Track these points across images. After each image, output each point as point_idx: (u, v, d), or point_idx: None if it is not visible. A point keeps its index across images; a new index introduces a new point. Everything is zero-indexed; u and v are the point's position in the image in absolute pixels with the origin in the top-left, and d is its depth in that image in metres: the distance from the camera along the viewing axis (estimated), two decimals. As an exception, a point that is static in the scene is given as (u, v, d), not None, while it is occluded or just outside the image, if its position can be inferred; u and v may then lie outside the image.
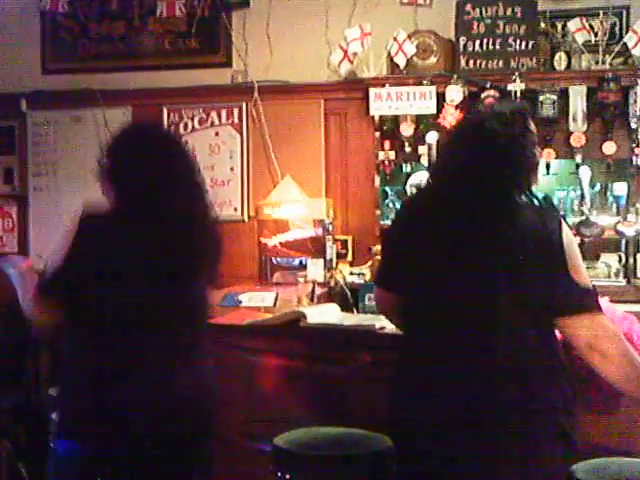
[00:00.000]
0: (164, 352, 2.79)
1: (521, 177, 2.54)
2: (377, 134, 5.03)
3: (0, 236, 5.66)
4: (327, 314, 3.68)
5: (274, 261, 5.03)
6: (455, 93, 4.83)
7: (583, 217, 4.74)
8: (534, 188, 2.58)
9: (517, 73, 4.76)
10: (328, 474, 2.98)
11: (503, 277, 2.46)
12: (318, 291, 4.35)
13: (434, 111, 4.88)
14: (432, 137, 4.84)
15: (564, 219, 2.56)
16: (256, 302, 4.19)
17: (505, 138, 2.50)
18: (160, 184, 2.71)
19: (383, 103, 4.93)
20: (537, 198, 2.55)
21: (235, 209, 5.40)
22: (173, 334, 2.82)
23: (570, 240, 2.51)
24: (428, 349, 2.57)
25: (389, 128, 5.03)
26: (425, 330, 2.60)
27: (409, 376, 2.61)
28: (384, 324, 3.30)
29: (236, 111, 5.40)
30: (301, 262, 4.94)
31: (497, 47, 4.93)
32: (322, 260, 4.81)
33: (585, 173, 4.78)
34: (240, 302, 4.21)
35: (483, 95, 4.82)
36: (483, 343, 2.48)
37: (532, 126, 2.59)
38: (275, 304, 4.16)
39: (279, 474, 3.05)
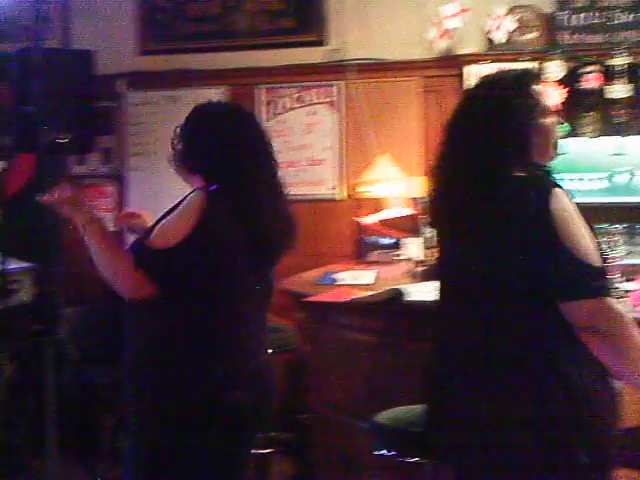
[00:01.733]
0: (261, 326, 2.83)
1: (510, 147, 2.30)
2: (474, 111, 4.94)
3: (100, 215, 5.73)
4: (428, 292, 3.63)
5: (370, 240, 5.00)
6: (555, 69, 4.73)
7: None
8: (548, 162, 2.37)
9: (621, 47, 4.64)
10: (430, 451, 2.95)
11: (478, 257, 2.30)
12: (416, 269, 4.30)
13: (534, 88, 4.77)
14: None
15: (561, 188, 2.22)
16: (354, 280, 4.17)
17: (483, 103, 2.36)
18: (253, 160, 2.74)
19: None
20: (540, 171, 2.31)
21: (331, 188, 5.38)
22: (265, 309, 2.86)
23: (563, 211, 2.18)
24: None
25: (486, 106, 4.93)
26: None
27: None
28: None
29: (332, 89, 5.37)
30: (398, 241, 4.89)
31: (599, 20, 4.80)
32: (419, 239, 4.76)
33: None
34: (336, 280, 4.19)
35: (584, 70, 4.71)
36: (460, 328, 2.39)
37: (537, 93, 2.36)
38: (374, 282, 4.13)
39: (380, 451, 3.04)
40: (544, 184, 2.24)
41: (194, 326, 2.64)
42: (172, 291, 2.61)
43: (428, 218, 2.59)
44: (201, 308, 2.64)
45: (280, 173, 2.89)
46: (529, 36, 4.95)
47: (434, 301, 2.50)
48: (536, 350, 2.23)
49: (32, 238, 4.87)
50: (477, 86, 2.51)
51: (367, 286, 4.03)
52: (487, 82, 2.48)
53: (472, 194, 2.32)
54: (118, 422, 4.71)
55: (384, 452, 3.04)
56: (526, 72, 2.49)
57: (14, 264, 4.92)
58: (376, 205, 5.08)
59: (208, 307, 2.65)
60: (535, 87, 2.38)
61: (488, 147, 2.31)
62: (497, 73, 2.59)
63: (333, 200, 5.38)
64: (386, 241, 4.95)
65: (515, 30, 4.88)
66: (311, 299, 3.85)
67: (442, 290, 2.48)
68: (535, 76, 2.47)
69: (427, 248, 4.72)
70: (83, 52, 5.12)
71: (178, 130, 2.80)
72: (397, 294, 3.49)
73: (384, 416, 3.11)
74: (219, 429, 2.64)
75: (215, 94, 5.47)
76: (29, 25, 5.49)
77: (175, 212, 2.64)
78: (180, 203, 2.67)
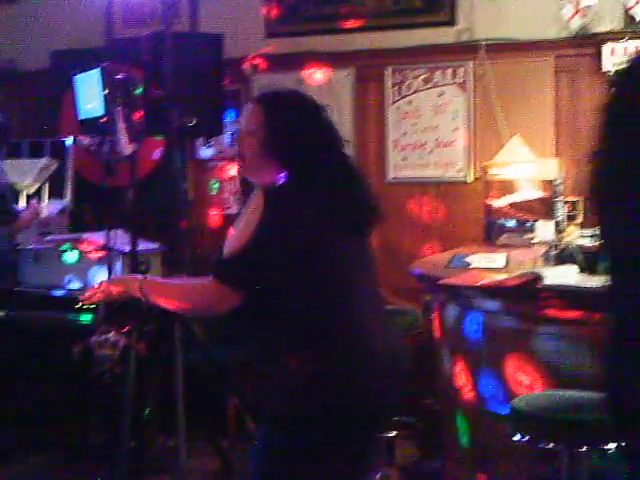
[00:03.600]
0: (374, 308, 2.76)
1: None
2: (611, 91, 4.79)
3: (226, 197, 5.80)
4: (565, 276, 3.54)
5: (500, 223, 4.89)
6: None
7: None
8: None
9: None
10: (568, 438, 2.89)
11: None
12: (550, 253, 4.19)
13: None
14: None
15: None
16: (486, 263, 4.08)
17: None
18: (331, 144, 2.69)
19: (619, 58, 4.69)
20: None
21: (459, 170, 5.29)
22: (371, 288, 2.78)
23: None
24: None
25: (623, 84, 4.77)
26: None
27: None
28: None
29: (461, 70, 5.28)
30: (529, 224, 4.78)
31: None
32: (551, 222, 4.64)
33: None
34: (469, 264, 4.11)
35: None
36: None
37: None
38: (506, 266, 4.03)
39: (518, 436, 2.98)
40: None
41: (293, 321, 2.61)
42: (260, 294, 2.59)
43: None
44: (297, 304, 2.59)
45: (351, 158, 2.81)
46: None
47: (602, 286, 2.40)
48: None
49: (161, 220, 4.94)
50: (633, 64, 2.39)
51: (500, 269, 3.95)
52: None
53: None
54: (243, 402, 4.75)
55: (520, 438, 2.98)
56: None
57: (144, 245, 4.99)
58: (506, 187, 4.97)
59: (305, 300, 2.59)
60: None
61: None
62: None
63: (462, 182, 5.30)
64: (517, 224, 4.84)
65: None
66: (447, 281, 3.78)
67: (613, 274, 2.39)
68: None
69: (559, 231, 4.61)
70: (212, 36, 5.15)
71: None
72: (535, 277, 3.40)
73: (520, 401, 3.06)
74: (349, 416, 2.58)
75: (343, 76, 5.47)
76: (159, 10, 5.58)
77: (240, 217, 2.63)
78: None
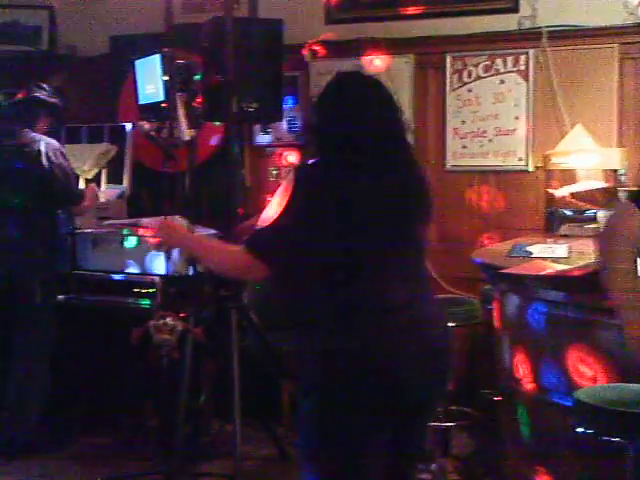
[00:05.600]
0: (418, 295, 2.76)
1: None
2: (678, 79, 4.71)
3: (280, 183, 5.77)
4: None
5: (562, 212, 4.82)
6: None
7: None
8: None
9: None
10: (634, 431, 2.84)
11: None
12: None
13: None
14: None
15: None
16: (547, 253, 4.03)
17: None
18: (387, 129, 2.70)
19: (686, 46, 4.60)
20: None
21: (520, 159, 5.22)
22: (418, 276, 2.79)
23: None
24: None
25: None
26: None
27: None
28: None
29: (523, 58, 5.19)
30: (591, 214, 4.70)
31: None
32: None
33: None
34: (530, 253, 4.06)
35: None
36: None
37: None
38: (568, 256, 3.98)
39: (580, 429, 2.94)
40: None
41: (317, 297, 2.65)
42: (290, 268, 2.65)
43: None
44: (324, 276, 2.63)
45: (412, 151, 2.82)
46: None
47: None
48: None
49: (218, 206, 4.95)
50: None
51: (561, 259, 3.89)
52: None
53: None
54: (297, 388, 4.75)
55: (583, 430, 2.94)
56: None
57: (201, 231, 5.00)
58: (568, 177, 4.90)
59: (331, 274, 2.62)
60: None
61: None
62: None
63: (522, 171, 5.22)
64: (578, 214, 4.77)
65: None
66: (509, 271, 3.74)
67: None
68: None
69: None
70: (273, 21, 5.14)
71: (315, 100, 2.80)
72: (601, 268, 3.34)
73: (584, 393, 3.01)
74: (385, 397, 2.61)
75: (402, 63, 5.43)
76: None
77: (278, 191, 2.66)
78: None
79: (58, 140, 5.23)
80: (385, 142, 2.69)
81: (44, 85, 5.24)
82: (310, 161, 2.69)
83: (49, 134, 5.12)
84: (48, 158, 4.90)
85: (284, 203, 2.58)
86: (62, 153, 5.00)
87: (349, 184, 2.61)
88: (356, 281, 2.62)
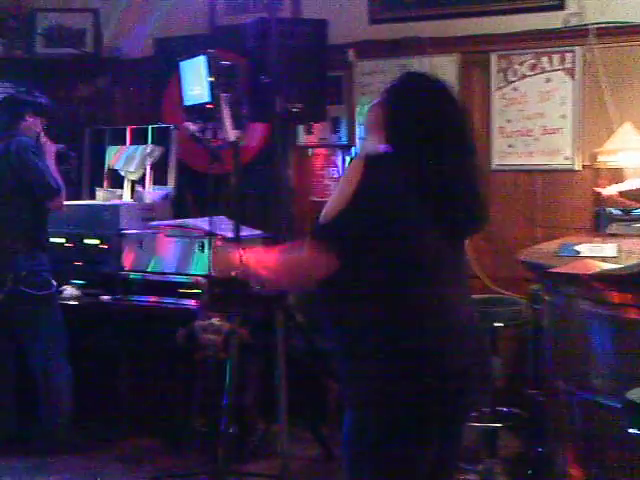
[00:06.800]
0: (461, 297, 2.76)
1: None
2: None
3: (327, 184, 5.78)
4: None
5: (610, 212, 4.76)
6: None
7: None
8: None
9: None
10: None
11: None
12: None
13: None
14: None
15: None
16: (596, 252, 3.97)
17: None
18: (449, 127, 2.70)
19: None
20: None
21: (566, 158, 5.16)
22: (459, 278, 2.79)
23: None
24: None
25: None
26: None
27: None
28: None
29: (569, 56, 5.13)
30: (639, 212, 4.64)
31: None
32: (664, 211, 4.51)
33: None
34: (578, 252, 4.01)
35: None
36: None
37: None
38: (617, 255, 3.93)
39: (634, 430, 2.90)
40: None
41: (385, 295, 2.61)
42: (353, 260, 2.60)
43: None
44: (385, 274, 2.60)
45: (476, 154, 2.83)
46: None
47: None
48: None
49: (263, 206, 4.96)
50: None
51: (610, 259, 3.84)
52: None
53: None
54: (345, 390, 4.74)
55: (635, 431, 2.90)
56: None
57: (246, 232, 5.02)
58: (616, 176, 4.84)
59: (392, 272, 2.60)
60: None
61: None
62: None
63: (569, 170, 5.16)
64: (626, 213, 4.71)
65: None
66: (557, 270, 3.70)
67: None
68: None
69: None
70: (317, 22, 5.15)
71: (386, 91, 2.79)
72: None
73: (635, 394, 2.97)
74: (432, 393, 2.60)
75: (447, 62, 5.40)
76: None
77: (339, 182, 2.66)
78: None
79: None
80: (455, 141, 2.70)
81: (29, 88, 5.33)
82: (380, 149, 2.67)
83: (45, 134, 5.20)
84: (18, 155, 4.96)
85: (350, 192, 2.56)
86: (33, 150, 5.03)
87: (420, 178, 2.61)
88: (418, 280, 2.62)
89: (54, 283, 5.07)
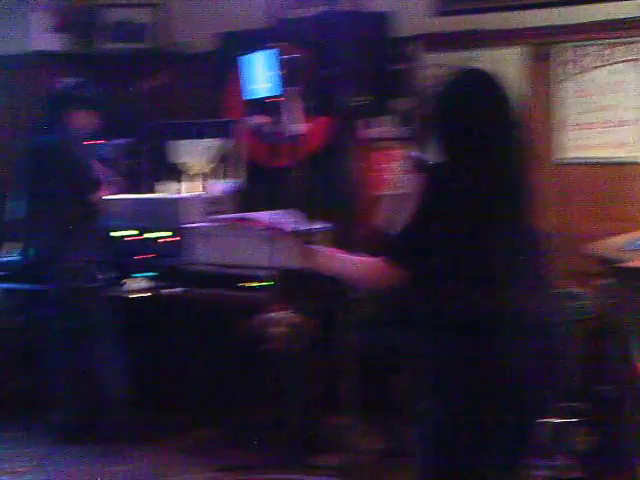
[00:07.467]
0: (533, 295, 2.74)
1: None
2: None
3: (393, 178, 5.74)
4: None
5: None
6: None
7: None
8: None
9: None
10: None
11: None
12: None
13: None
14: None
15: None
16: (664, 246, 3.94)
17: None
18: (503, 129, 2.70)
19: None
20: None
21: (633, 150, 5.09)
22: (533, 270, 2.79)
23: None
24: None
25: None
26: None
27: None
28: None
29: (636, 47, 5.06)
30: None
31: None
32: None
33: None
34: (647, 247, 3.98)
35: None
36: None
37: None
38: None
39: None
40: None
41: (457, 304, 2.62)
42: (424, 272, 2.62)
43: None
44: (459, 282, 2.61)
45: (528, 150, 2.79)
46: None
47: None
48: None
49: (329, 199, 4.96)
50: None
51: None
52: None
53: None
54: (412, 384, 4.73)
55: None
56: None
57: (314, 225, 5.01)
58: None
59: (466, 280, 2.61)
60: None
61: None
62: None
63: (635, 163, 5.10)
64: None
65: None
66: (626, 264, 3.66)
67: None
68: None
69: None
70: (379, 14, 5.14)
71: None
72: None
73: None
74: (510, 397, 2.62)
75: (513, 54, 5.35)
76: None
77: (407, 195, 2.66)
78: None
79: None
80: (510, 145, 2.70)
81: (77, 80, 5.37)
82: (434, 161, 2.70)
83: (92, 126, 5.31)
84: (60, 149, 5.10)
85: (415, 207, 2.59)
86: (75, 143, 5.18)
87: (479, 187, 2.62)
88: (490, 284, 2.63)
89: (102, 276, 5.14)
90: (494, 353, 2.61)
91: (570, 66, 5.25)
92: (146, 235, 5.49)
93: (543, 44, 5.33)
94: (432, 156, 2.73)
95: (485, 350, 2.61)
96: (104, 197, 5.23)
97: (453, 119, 2.71)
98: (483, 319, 2.61)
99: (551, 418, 4.34)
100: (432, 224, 2.58)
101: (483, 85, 2.75)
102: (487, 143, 2.66)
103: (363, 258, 2.83)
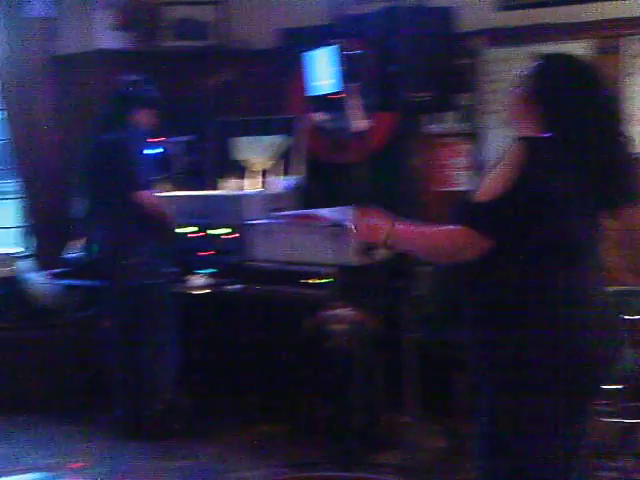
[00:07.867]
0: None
1: None
2: None
3: (456, 174, 5.70)
4: None
5: None
6: None
7: None
8: None
9: None
10: None
11: None
12: None
13: None
14: None
15: None
16: None
17: None
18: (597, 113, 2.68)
19: None
20: None
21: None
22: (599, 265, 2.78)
23: None
24: None
25: None
26: None
27: None
28: None
29: None
30: None
31: None
32: None
33: None
34: None
35: None
36: None
37: None
38: None
39: None
40: None
41: (536, 281, 2.61)
42: (504, 245, 2.58)
43: None
44: (538, 260, 2.60)
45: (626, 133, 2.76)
46: None
47: None
48: None
49: (392, 195, 4.92)
50: None
51: None
52: None
53: None
54: (472, 381, 4.69)
55: None
56: None
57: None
58: None
59: (545, 259, 2.60)
60: None
61: None
62: None
63: None
64: None
65: None
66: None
67: None
68: None
69: None
70: (442, 9, 5.10)
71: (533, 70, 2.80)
72: None
73: None
74: (573, 381, 2.62)
75: (577, 48, 5.26)
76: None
77: (498, 165, 2.62)
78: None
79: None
80: (612, 124, 2.71)
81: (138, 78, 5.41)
82: (536, 134, 2.68)
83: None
84: (116, 149, 5.15)
85: (509, 176, 2.54)
86: (132, 143, 5.20)
87: (576, 163, 2.61)
88: (573, 266, 2.62)
89: (164, 272, 5.18)
90: (575, 341, 2.60)
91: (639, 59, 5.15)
92: (208, 232, 5.50)
93: (610, 37, 5.23)
94: (531, 131, 2.71)
95: (565, 338, 2.59)
96: (160, 195, 5.26)
97: (562, 94, 2.70)
98: (560, 298, 2.60)
99: (618, 418, 4.28)
100: (530, 195, 2.55)
101: (584, 65, 2.81)
102: (594, 119, 2.65)
103: (443, 228, 2.70)
